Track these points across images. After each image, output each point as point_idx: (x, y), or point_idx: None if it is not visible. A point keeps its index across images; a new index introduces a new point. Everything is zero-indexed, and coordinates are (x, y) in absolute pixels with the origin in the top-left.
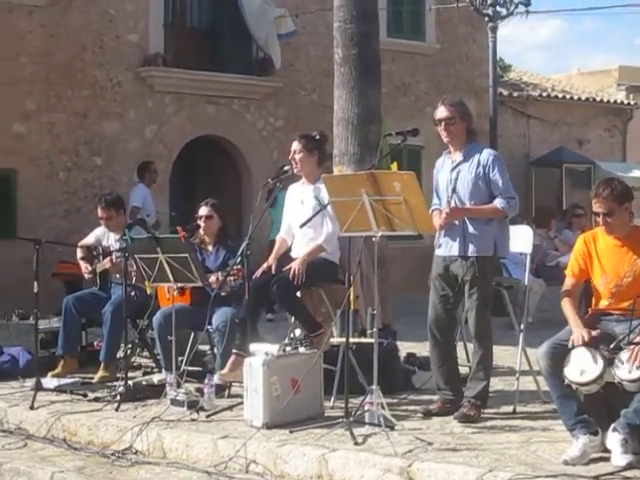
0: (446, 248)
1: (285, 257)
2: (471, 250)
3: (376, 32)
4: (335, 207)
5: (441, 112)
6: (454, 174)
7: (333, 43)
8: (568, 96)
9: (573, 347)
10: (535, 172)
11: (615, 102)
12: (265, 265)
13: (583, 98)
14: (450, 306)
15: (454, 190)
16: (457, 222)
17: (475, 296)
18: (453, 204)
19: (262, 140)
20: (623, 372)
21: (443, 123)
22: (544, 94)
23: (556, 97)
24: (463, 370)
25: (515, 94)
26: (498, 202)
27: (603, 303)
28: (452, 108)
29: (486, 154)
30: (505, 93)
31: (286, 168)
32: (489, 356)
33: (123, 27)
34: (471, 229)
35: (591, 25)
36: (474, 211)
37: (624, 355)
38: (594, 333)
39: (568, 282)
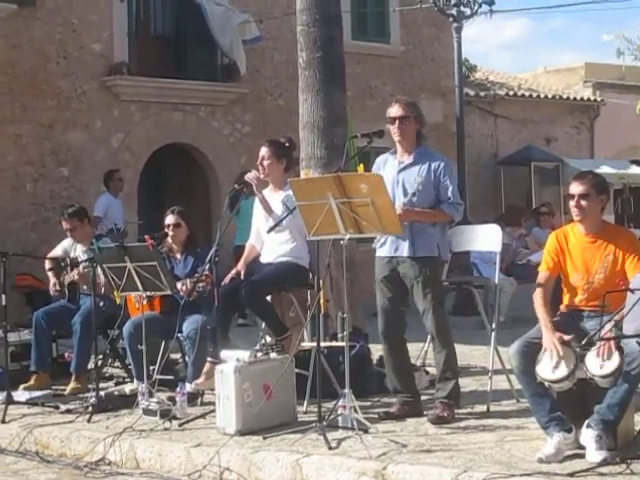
0: (391, 248)
1: (254, 263)
2: (420, 251)
3: (340, 35)
4: (302, 211)
5: (396, 110)
6: (402, 175)
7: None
8: (535, 94)
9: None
10: (504, 171)
11: (582, 99)
12: (234, 271)
13: (550, 96)
14: (400, 308)
15: (414, 194)
16: (405, 223)
17: (430, 296)
18: (399, 204)
19: (229, 146)
20: (595, 368)
21: (397, 122)
22: (511, 93)
23: (523, 96)
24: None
25: (482, 94)
26: (445, 207)
27: (576, 300)
28: (407, 108)
29: (439, 160)
30: (472, 93)
31: (248, 176)
32: (453, 354)
33: (87, 37)
34: (418, 230)
35: (557, 23)
36: (423, 214)
37: (595, 351)
38: (566, 338)
39: (542, 276)
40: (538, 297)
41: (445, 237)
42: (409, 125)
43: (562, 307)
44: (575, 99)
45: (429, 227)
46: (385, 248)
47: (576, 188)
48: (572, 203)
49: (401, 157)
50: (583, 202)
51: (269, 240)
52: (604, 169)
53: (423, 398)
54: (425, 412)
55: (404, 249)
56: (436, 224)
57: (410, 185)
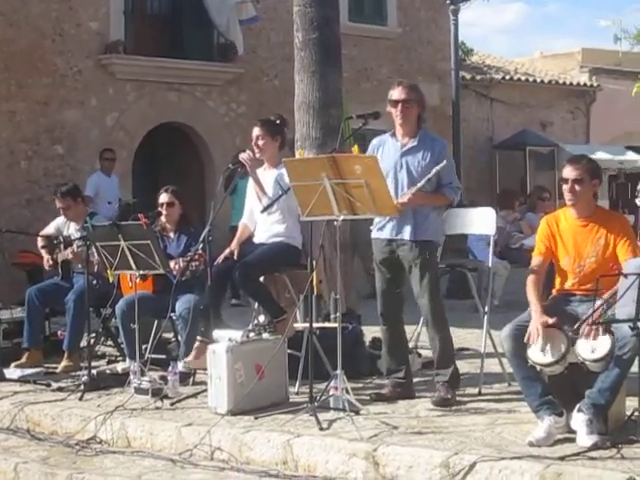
0: (392, 231)
1: (247, 243)
2: (421, 234)
3: (336, 16)
4: (296, 191)
5: (399, 93)
6: (406, 159)
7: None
8: (531, 79)
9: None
10: (499, 155)
11: (578, 84)
12: (227, 251)
13: (546, 81)
14: (397, 290)
15: (429, 179)
16: (407, 207)
17: (427, 280)
18: (403, 187)
19: (224, 126)
20: (586, 352)
21: (400, 105)
22: (507, 77)
23: (519, 80)
24: (429, 354)
25: (478, 77)
26: (447, 191)
27: (567, 284)
28: (410, 91)
29: (442, 144)
30: (468, 77)
31: (242, 156)
32: (449, 338)
33: (83, 14)
34: (421, 214)
35: (554, 8)
36: (428, 198)
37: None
38: (551, 321)
39: (535, 261)
40: (530, 282)
41: (440, 221)
42: (411, 108)
43: (554, 291)
44: (571, 84)
45: (431, 211)
46: (385, 231)
47: (570, 172)
48: (566, 187)
49: (403, 140)
50: (577, 187)
51: (262, 220)
52: (599, 154)
53: (415, 380)
54: (417, 394)
55: (406, 233)
56: (435, 208)
57: (415, 169)
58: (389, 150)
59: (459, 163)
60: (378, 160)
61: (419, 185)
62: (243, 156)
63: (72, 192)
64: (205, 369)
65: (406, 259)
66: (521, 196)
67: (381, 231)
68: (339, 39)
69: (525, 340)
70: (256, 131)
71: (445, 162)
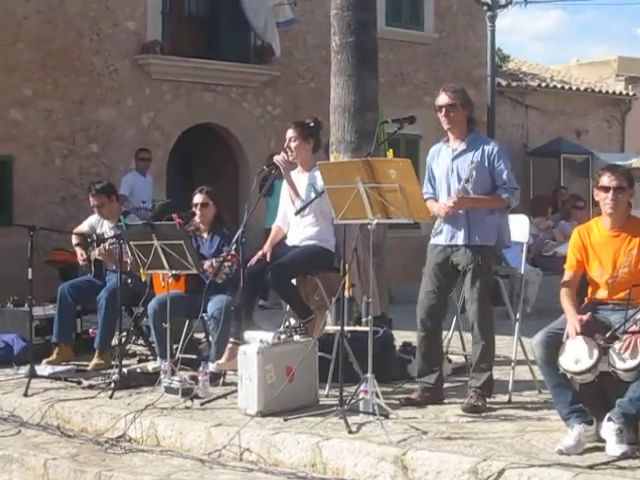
0: (447, 236)
1: (280, 245)
2: (475, 239)
3: (374, 20)
4: (330, 194)
5: (442, 99)
6: (456, 163)
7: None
8: (567, 86)
9: (567, 338)
10: (533, 162)
11: (614, 93)
12: (260, 253)
13: (582, 89)
14: (445, 296)
15: (467, 180)
16: (461, 211)
17: (477, 286)
18: (454, 192)
19: (259, 128)
20: (618, 361)
21: (444, 110)
22: (543, 84)
23: (555, 87)
24: (459, 359)
25: (514, 84)
26: (502, 192)
27: (599, 294)
28: (454, 95)
29: (492, 145)
30: (504, 83)
31: (276, 158)
32: (492, 346)
33: (121, 14)
34: (475, 218)
35: (591, 16)
36: (479, 201)
37: (619, 345)
38: (586, 317)
39: (567, 275)
40: (564, 294)
41: (505, 223)
42: (457, 112)
43: (586, 300)
44: (607, 92)
45: (486, 215)
46: (441, 237)
47: (612, 181)
48: (607, 196)
49: (454, 144)
50: (620, 195)
51: (295, 223)
52: (635, 163)
53: (445, 386)
54: (447, 400)
55: (460, 237)
56: (494, 211)
57: (464, 172)
58: (443, 156)
59: None
60: (411, 164)
61: (458, 188)
62: (277, 158)
63: (106, 190)
64: (236, 370)
65: (460, 264)
66: (554, 203)
67: (438, 236)
68: (376, 43)
69: (564, 339)
70: (289, 133)
71: (471, 170)
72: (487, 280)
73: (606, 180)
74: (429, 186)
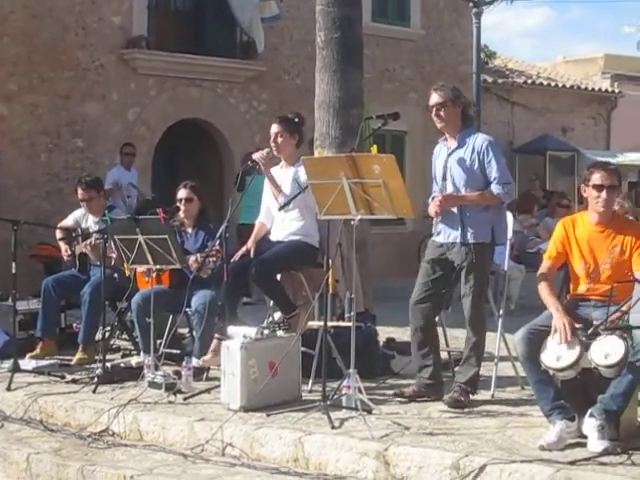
0: (444, 235)
1: (264, 241)
2: (470, 237)
3: (359, 16)
4: (314, 190)
5: (432, 98)
6: (450, 161)
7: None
8: (553, 84)
9: (555, 332)
10: (519, 159)
11: (600, 90)
12: (244, 248)
13: (568, 86)
14: (441, 290)
15: (444, 178)
16: (455, 209)
17: (471, 283)
18: (449, 190)
19: (245, 123)
20: (600, 358)
21: (434, 109)
22: (529, 81)
23: (541, 84)
24: (443, 355)
25: (500, 81)
26: (494, 188)
27: (581, 288)
28: (443, 93)
29: (481, 139)
30: (490, 80)
31: (255, 155)
32: (482, 343)
33: (106, 9)
34: (469, 216)
35: (578, 13)
36: (468, 198)
37: (600, 340)
38: (577, 326)
39: (545, 265)
40: (543, 286)
41: (502, 219)
42: (448, 110)
43: (568, 296)
44: (593, 90)
45: (481, 211)
46: (440, 235)
47: (606, 180)
48: (601, 195)
49: (449, 143)
50: (612, 194)
51: (279, 218)
52: (619, 160)
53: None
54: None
55: (454, 235)
56: (488, 207)
57: (457, 170)
58: (441, 155)
59: None
60: (394, 160)
61: (438, 187)
62: (256, 155)
63: (96, 184)
64: (219, 365)
65: (455, 261)
66: (539, 200)
67: (437, 236)
68: (361, 39)
69: (551, 335)
70: (275, 128)
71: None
72: (481, 278)
73: (600, 179)
74: (435, 184)
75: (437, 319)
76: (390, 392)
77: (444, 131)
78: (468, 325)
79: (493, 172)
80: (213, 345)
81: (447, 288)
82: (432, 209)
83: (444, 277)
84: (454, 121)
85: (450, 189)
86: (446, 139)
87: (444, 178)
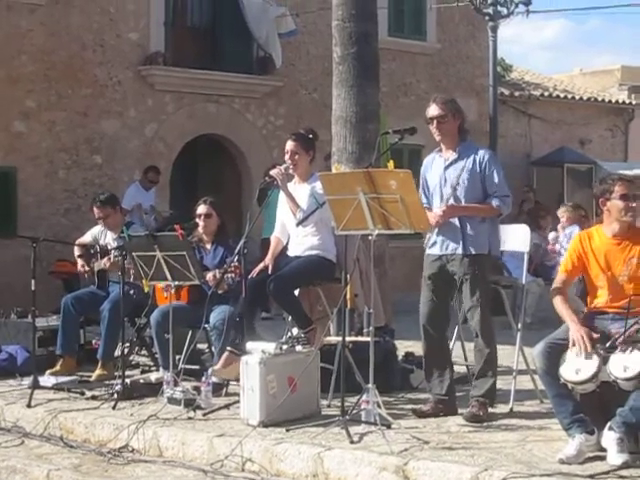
0: (442, 246)
1: (281, 256)
2: (470, 248)
3: (375, 31)
4: (331, 205)
5: (433, 110)
6: (448, 172)
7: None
8: (570, 96)
9: (573, 346)
10: (537, 172)
11: (617, 102)
12: (262, 265)
13: (585, 98)
14: (446, 304)
15: (454, 188)
16: (455, 220)
17: (477, 294)
18: (450, 202)
19: (262, 139)
20: (618, 371)
21: (435, 121)
22: (545, 94)
23: (558, 97)
24: (461, 369)
25: (516, 94)
26: (494, 201)
27: (599, 301)
28: (444, 106)
29: (482, 153)
30: (506, 93)
31: (272, 172)
32: (495, 353)
33: (124, 26)
34: (469, 227)
35: (595, 25)
36: (470, 209)
37: (618, 354)
38: (595, 336)
39: (559, 278)
40: (558, 300)
41: (496, 232)
42: (448, 123)
43: (585, 309)
44: (610, 102)
45: (479, 224)
46: (436, 247)
47: (630, 190)
48: (631, 204)
49: (446, 154)
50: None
51: (296, 233)
52: (637, 172)
53: None
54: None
55: (455, 247)
56: (485, 219)
57: (456, 181)
58: (436, 167)
59: None
60: (412, 175)
61: (445, 197)
62: (274, 172)
63: (111, 201)
64: (233, 379)
65: (456, 273)
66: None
67: (432, 248)
68: (377, 54)
69: (570, 347)
70: (290, 145)
71: (458, 178)
72: (486, 288)
73: (626, 189)
74: (423, 196)
75: (455, 333)
76: (409, 407)
77: (442, 143)
78: (480, 337)
79: (494, 185)
80: (224, 356)
81: (453, 300)
82: (434, 219)
83: (447, 289)
84: (452, 134)
85: (450, 201)
86: (441, 150)
87: (444, 189)
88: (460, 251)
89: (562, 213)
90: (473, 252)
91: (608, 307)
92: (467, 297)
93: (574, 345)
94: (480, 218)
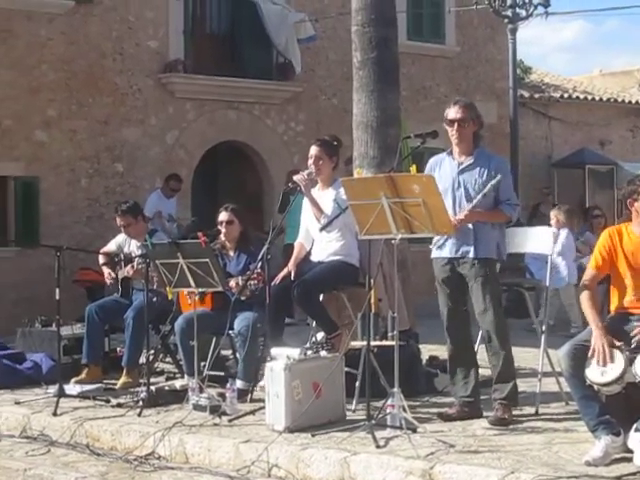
0: (452, 249)
1: (305, 261)
2: (482, 252)
3: (395, 35)
4: (354, 210)
5: (455, 112)
6: (463, 177)
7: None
8: (590, 97)
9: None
10: (557, 173)
11: (637, 102)
12: (285, 270)
13: (605, 99)
14: (462, 305)
15: (485, 194)
16: (470, 225)
17: (489, 296)
18: (465, 206)
19: (283, 145)
20: None
21: (456, 124)
22: (565, 95)
23: (577, 98)
24: (485, 372)
25: (536, 96)
26: (505, 208)
27: (626, 300)
28: (466, 110)
29: (498, 161)
30: (526, 95)
31: (296, 177)
32: (510, 355)
33: (143, 34)
34: (482, 232)
35: (613, 26)
36: (487, 215)
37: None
38: (617, 344)
39: (589, 273)
40: (585, 298)
41: (504, 237)
42: (468, 127)
43: (611, 310)
44: (630, 102)
45: (491, 229)
46: (445, 250)
47: None
48: None
49: (460, 158)
50: None
51: (320, 238)
52: None
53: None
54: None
55: (467, 250)
56: (495, 225)
57: (472, 186)
58: (446, 169)
59: (517, 181)
60: (435, 179)
61: (475, 202)
62: (297, 177)
63: (133, 210)
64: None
65: (468, 277)
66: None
67: (441, 250)
68: (397, 59)
69: (590, 355)
70: (315, 151)
71: (499, 177)
72: (497, 290)
73: None
74: None
75: (479, 335)
76: (434, 410)
77: (458, 147)
78: (495, 339)
79: (507, 193)
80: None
81: (465, 303)
82: (454, 222)
83: (460, 292)
84: (469, 138)
85: (463, 204)
86: (452, 152)
87: (453, 193)
88: (471, 255)
89: (553, 215)
90: (484, 255)
91: (634, 307)
92: (479, 300)
93: (594, 352)
94: (491, 224)
